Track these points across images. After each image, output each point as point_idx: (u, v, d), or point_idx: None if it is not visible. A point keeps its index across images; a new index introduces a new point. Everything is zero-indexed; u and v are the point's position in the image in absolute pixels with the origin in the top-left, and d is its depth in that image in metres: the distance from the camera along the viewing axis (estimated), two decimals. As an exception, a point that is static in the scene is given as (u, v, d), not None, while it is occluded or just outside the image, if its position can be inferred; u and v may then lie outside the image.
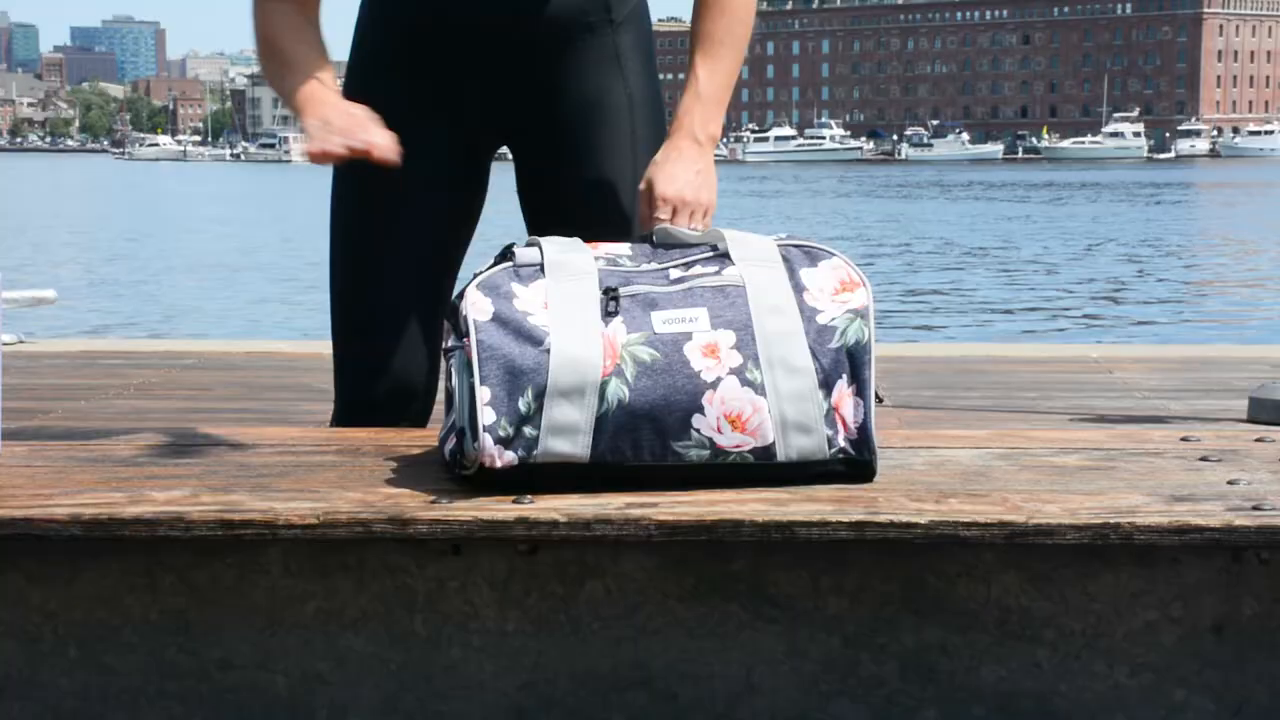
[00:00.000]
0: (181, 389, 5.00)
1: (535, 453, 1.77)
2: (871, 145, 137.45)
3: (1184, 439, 2.13)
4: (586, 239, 1.92)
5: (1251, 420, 4.06)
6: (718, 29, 2.16)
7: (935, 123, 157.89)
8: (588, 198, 2.24)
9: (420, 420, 2.27)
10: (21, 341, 6.04)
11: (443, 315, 2.25)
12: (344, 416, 2.28)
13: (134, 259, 26.12)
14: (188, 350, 6.00)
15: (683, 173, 2.10)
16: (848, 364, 1.83)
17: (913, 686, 1.78)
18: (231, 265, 23.91)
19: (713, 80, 2.15)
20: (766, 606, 1.78)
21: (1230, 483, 1.84)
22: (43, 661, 1.81)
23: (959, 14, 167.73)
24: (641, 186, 2.14)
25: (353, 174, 2.25)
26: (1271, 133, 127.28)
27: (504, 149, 2.34)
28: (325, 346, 2.41)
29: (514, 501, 1.75)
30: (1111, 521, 1.69)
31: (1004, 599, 1.77)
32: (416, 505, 1.74)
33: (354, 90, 2.26)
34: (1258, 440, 2.12)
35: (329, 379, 2.33)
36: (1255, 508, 1.72)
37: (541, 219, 2.28)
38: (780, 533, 1.70)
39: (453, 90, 2.23)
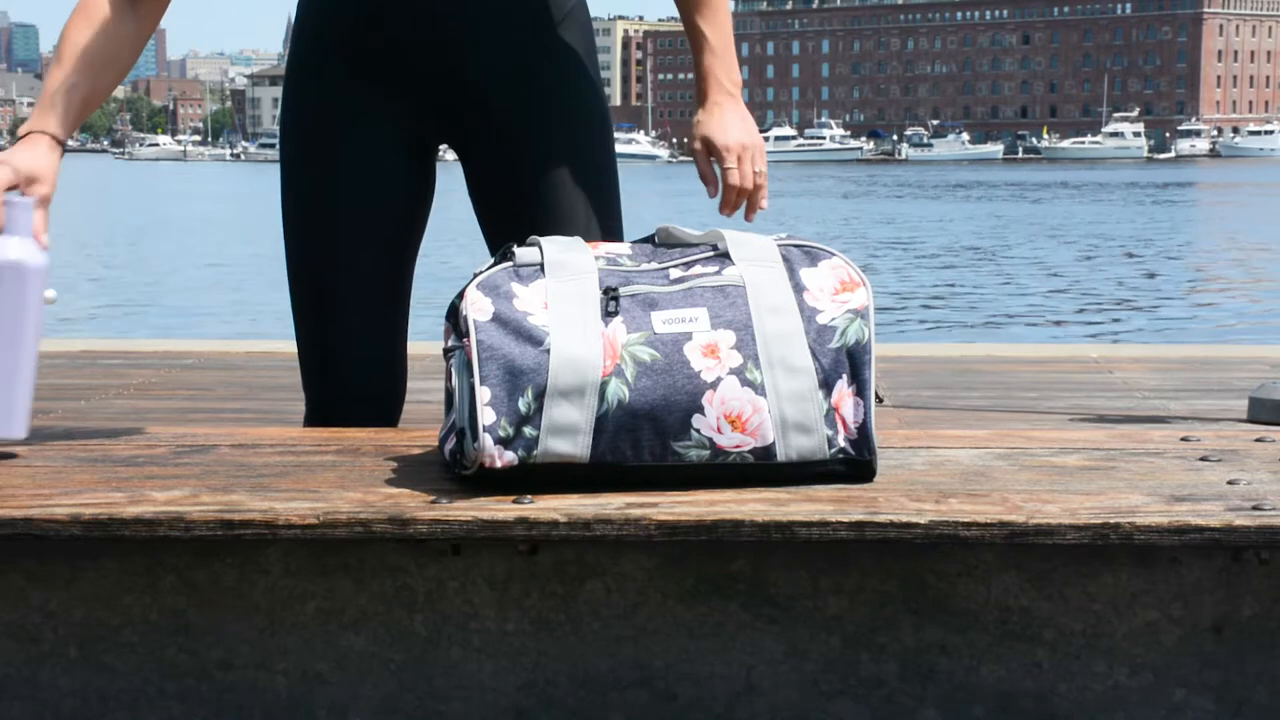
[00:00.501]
0: (181, 389, 5.00)
1: (535, 453, 1.77)
2: (871, 145, 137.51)
3: (1184, 439, 2.12)
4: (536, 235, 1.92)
5: (1251, 420, 4.07)
6: None
7: (935, 123, 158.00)
8: (532, 197, 2.24)
9: (390, 417, 2.26)
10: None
11: (401, 313, 2.27)
12: (313, 415, 2.29)
13: (134, 259, 26.12)
14: (188, 350, 6.00)
15: (731, 122, 2.22)
16: (848, 364, 1.83)
17: (913, 686, 1.78)
18: (232, 265, 23.90)
19: (717, 34, 2.23)
20: (766, 606, 1.78)
21: (1230, 483, 1.84)
22: (43, 661, 1.81)
23: (959, 14, 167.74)
24: (697, 146, 2.22)
25: (299, 170, 2.25)
26: (1271, 133, 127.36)
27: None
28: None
29: (514, 501, 1.75)
30: (1111, 521, 1.69)
31: (1004, 599, 1.77)
32: (416, 505, 1.74)
33: (294, 86, 2.27)
34: (1258, 440, 2.12)
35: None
36: (1255, 508, 1.72)
37: (492, 219, 2.28)
38: (780, 533, 1.70)
39: (388, 93, 2.23)
